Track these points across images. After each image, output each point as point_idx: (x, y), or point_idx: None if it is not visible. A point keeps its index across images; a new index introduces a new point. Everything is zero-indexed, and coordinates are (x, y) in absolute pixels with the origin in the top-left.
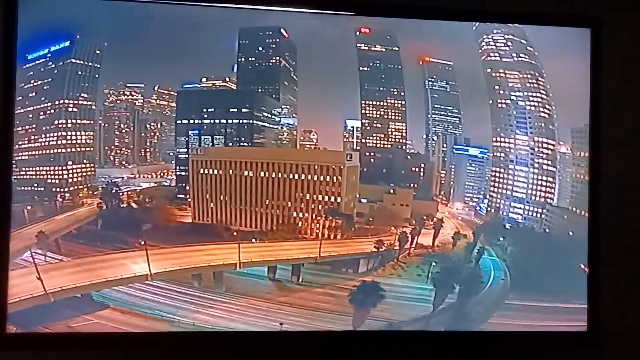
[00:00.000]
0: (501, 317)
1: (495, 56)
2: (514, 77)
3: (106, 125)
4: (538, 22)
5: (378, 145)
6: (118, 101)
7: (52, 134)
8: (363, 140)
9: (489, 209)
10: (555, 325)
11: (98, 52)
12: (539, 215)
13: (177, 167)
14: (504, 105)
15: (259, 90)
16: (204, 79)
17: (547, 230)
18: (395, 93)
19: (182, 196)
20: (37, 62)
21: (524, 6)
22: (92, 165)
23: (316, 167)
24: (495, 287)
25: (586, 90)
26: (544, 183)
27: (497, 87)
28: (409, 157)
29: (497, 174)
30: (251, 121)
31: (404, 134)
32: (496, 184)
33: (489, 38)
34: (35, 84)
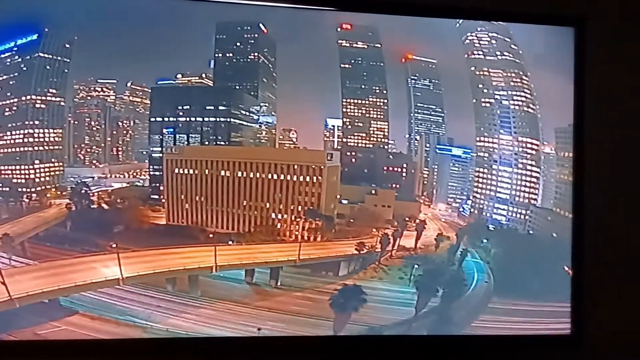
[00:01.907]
0: (485, 321)
1: (479, 54)
2: (498, 75)
3: (76, 122)
4: (522, 20)
5: (359, 145)
6: (89, 97)
7: (18, 132)
8: (344, 140)
9: (472, 210)
10: (539, 328)
11: (68, 45)
12: (522, 216)
13: (151, 167)
14: (487, 104)
15: (237, 87)
16: (179, 75)
17: (530, 231)
18: (377, 91)
19: (156, 197)
20: (2, 55)
21: (508, 4)
22: (60, 164)
23: (296, 166)
24: (479, 289)
25: (570, 89)
26: (527, 184)
27: (480, 85)
28: (391, 156)
29: (481, 175)
30: (228, 119)
31: (386, 133)
32: (480, 185)
33: (472, 36)
34: (0, 78)
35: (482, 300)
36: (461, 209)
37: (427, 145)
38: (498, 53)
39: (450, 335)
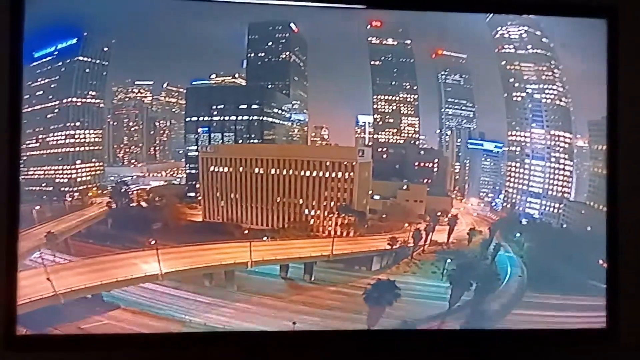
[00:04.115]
0: (518, 315)
1: (509, 48)
2: (529, 69)
3: (115, 123)
4: (553, 13)
5: (390, 141)
6: (127, 99)
7: (60, 133)
8: (375, 136)
9: (504, 204)
10: (573, 322)
11: (106, 49)
12: (556, 210)
13: (187, 165)
14: (519, 99)
15: (269, 86)
16: (213, 76)
17: (564, 225)
18: (408, 87)
19: (192, 194)
20: (44, 60)
21: None
22: (101, 164)
23: (328, 163)
24: (512, 284)
25: (603, 82)
26: (560, 177)
27: (512, 79)
28: (422, 152)
29: (513, 169)
30: (261, 118)
31: (416, 129)
32: (512, 179)
33: (503, 30)
34: (42, 82)
35: (515, 294)
36: (493, 204)
37: (458, 140)
38: (529, 47)
39: (484, 329)
